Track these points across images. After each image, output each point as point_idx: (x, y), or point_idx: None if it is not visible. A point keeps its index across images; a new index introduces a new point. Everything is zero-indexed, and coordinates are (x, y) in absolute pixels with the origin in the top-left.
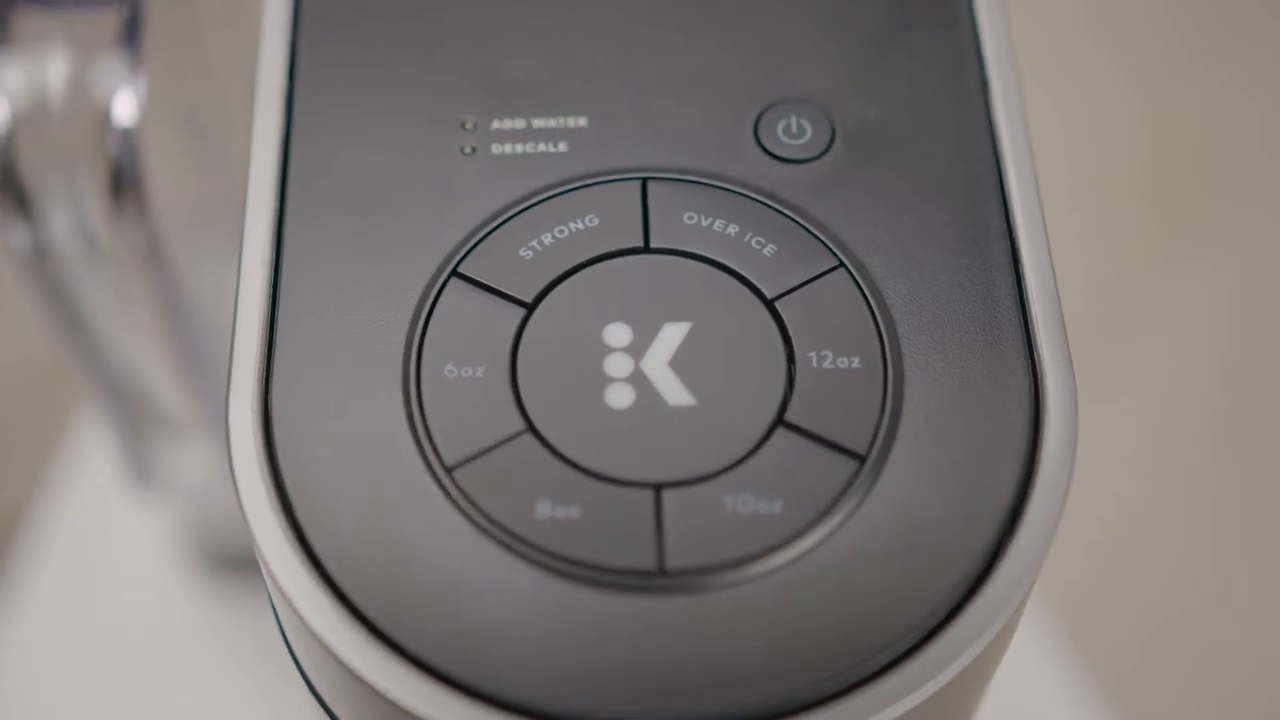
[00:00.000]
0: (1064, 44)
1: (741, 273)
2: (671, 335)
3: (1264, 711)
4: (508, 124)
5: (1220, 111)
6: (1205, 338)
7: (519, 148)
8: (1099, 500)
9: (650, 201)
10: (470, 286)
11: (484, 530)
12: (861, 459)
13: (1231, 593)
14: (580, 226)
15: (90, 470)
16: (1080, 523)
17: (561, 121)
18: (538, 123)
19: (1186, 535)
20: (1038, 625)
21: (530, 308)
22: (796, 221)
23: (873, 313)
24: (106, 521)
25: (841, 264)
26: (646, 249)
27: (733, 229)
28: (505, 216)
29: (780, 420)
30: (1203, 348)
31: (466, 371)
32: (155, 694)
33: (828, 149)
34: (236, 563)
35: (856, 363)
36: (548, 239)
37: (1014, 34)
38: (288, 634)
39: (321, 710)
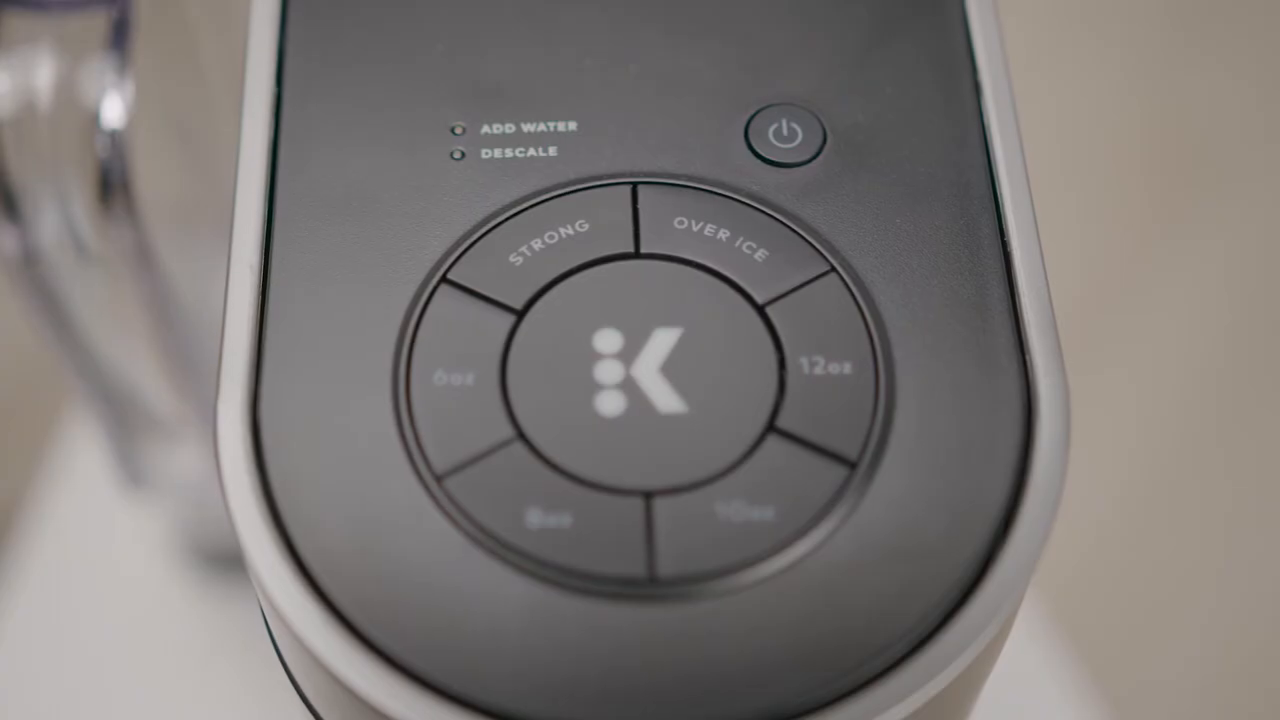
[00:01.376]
0: (1058, 26)
1: (732, 278)
2: (662, 341)
3: (1261, 706)
4: (497, 129)
5: (1215, 95)
6: (1200, 323)
7: (508, 152)
8: (1091, 490)
9: (640, 206)
10: (460, 293)
11: (474, 539)
12: (853, 465)
13: (1229, 582)
14: (570, 232)
15: (83, 468)
16: (1073, 513)
17: (551, 126)
18: (527, 127)
19: (1181, 524)
20: (1031, 620)
21: (520, 314)
22: (788, 226)
23: (864, 318)
24: (99, 520)
25: (833, 269)
26: (637, 254)
27: (724, 234)
28: (495, 222)
29: (771, 426)
30: (1197, 335)
31: (456, 379)
32: (146, 692)
33: (819, 153)
34: (227, 562)
35: (848, 368)
36: (537, 244)
37: (1006, 25)
38: (276, 641)
39: (310, 716)
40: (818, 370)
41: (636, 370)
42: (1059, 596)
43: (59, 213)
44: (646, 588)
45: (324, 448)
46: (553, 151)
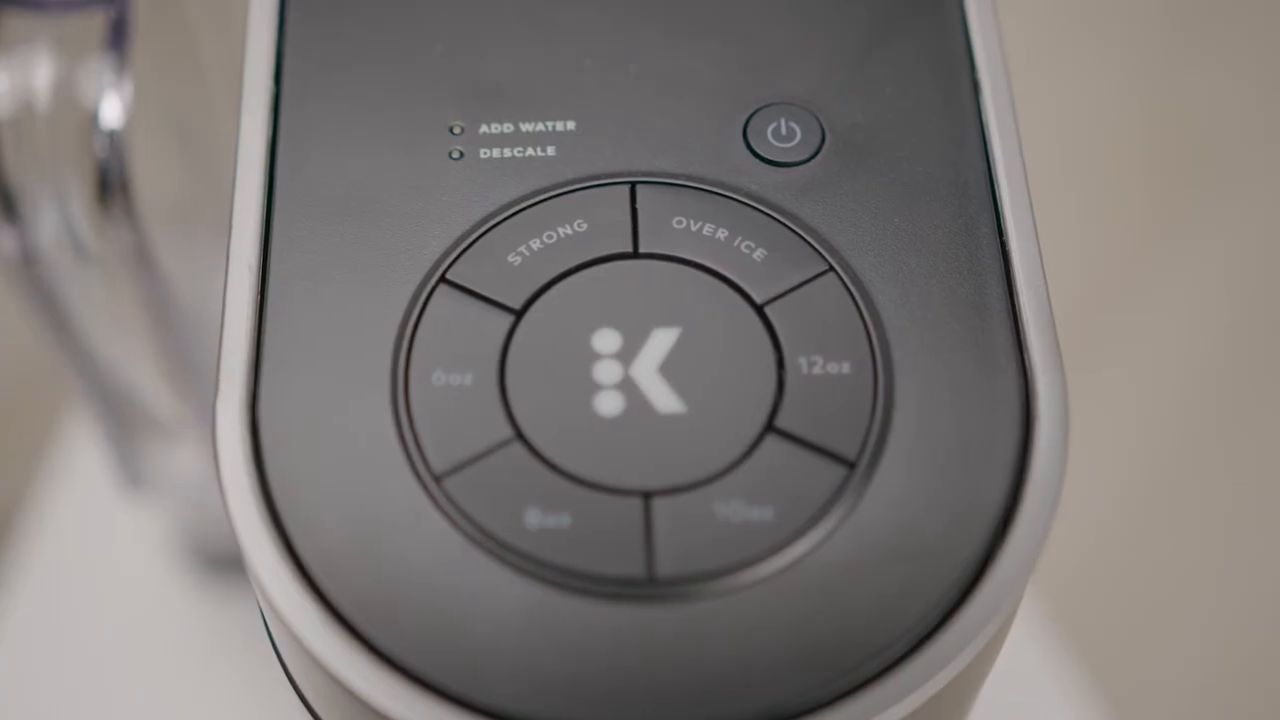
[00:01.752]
0: (1058, 26)
1: (731, 278)
2: (661, 341)
3: (1261, 706)
4: (495, 128)
5: (1215, 95)
6: (1200, 323)
7: (507, 152)
8: (1090, 490)
9: (639, 206)
10: (458, 293)
11: (473, 539)
12: (852, 465)
13: (1229, 582)
14: (569, 231)
15: (83, 468)
16: (1072, 513)
17: (549, 125)
18: (526, 127)
19: (1181, 524)
20: (1030, 619)
21: (519, 314)
22: (786, 225)
23: (863, 317)
24: (99, 520)
25: (831, 268)
26: (635, 254)
27: (722, 233)
28: (493, 222)
29: (770, 426)
30: (1197, 335)
31: (455, 379)
32: (146, 692)
33: (817, 152)
34: (227, 562)
35: (846, 368)
36: (536, 244)
37: (1006, 24)
38: (276, 642)
39: (310, 717)
40: (816, 370)
41: (635, 370)
42: (1059, 596)
43: (57, 213)
44: (645, 588)
45: (323, 448)
46: (551, 151)
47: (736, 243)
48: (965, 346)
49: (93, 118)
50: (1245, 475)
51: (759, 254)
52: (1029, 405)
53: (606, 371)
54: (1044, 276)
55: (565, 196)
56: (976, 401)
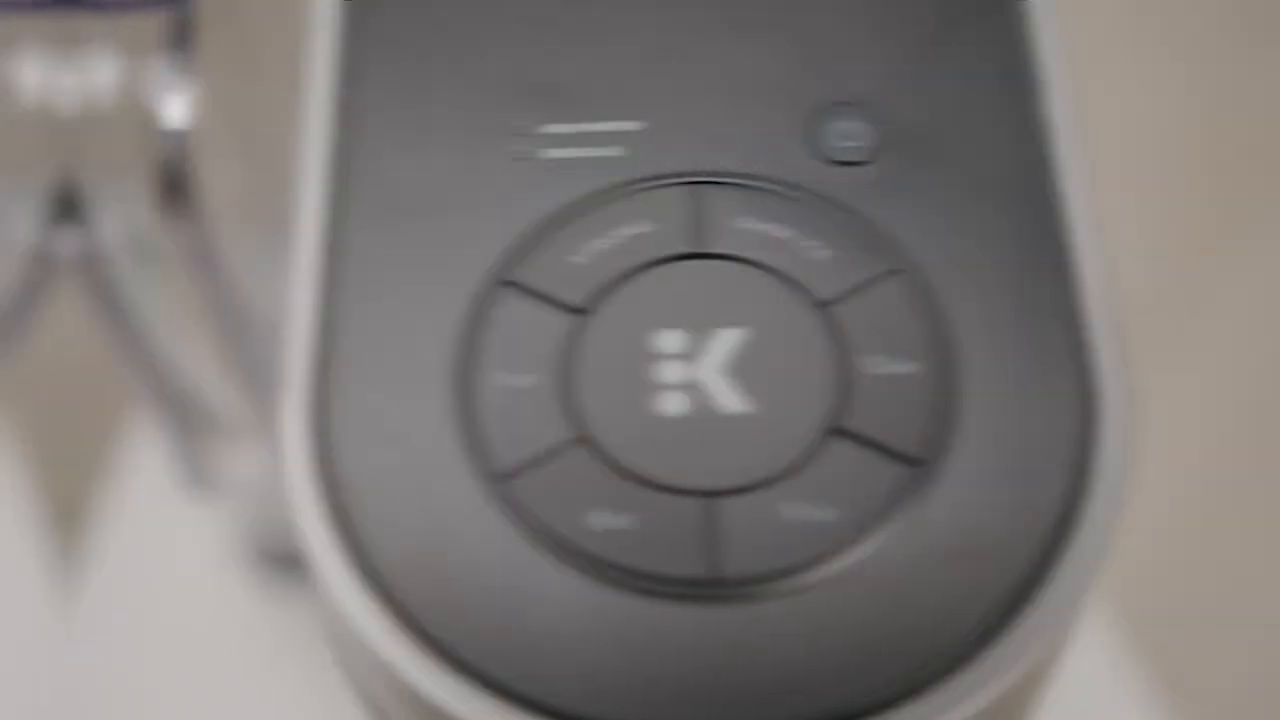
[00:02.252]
0: (1122, 23)
1: (796, 277)
2: (725, 341)
3: None
4: (559, 128)
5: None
6: (1266, 324)
7: (570, 152)
8: (1155, 492)
9: (703, 205)
10: (522, 294)
11: (538, 540)
12: (917, 465)
13: None
14: (632, 232)
15: (148, 468)
16: (1137, 514)
17: (613, 125)
18: (589, 127)
19: (1250, 525)
20: (1095, 620)
21: (582, 315)
22: (851, 224)
23: (928, 316)
24: (163, 520)
25: (897, 267)
26: (699, 254)
27: (787, 232)
28: (556, 223)
29: (835, 426)
30: (1263, 336)
31: (518, 380)
32: (211, 693)
33: (882, 150)
34: (291, 562)
35: (912, 367)
36: (599, 245)
37: (1069, 22)
38: (338, 645)
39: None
40: (881, 369)
41: (699, 371)
42: (1125, 597)
43: (121, 214)
44: (711, 589)
45: (387, 450)
46: (614, 151)
47: (801, 242)
48: (1031, 347)
49: (157, 117)
50: None
51: (824, 253)
52: (1096, 406)
53: (671, 372)
54: (1111, 276)
55: (628, 197)
56: (1043, 402)
